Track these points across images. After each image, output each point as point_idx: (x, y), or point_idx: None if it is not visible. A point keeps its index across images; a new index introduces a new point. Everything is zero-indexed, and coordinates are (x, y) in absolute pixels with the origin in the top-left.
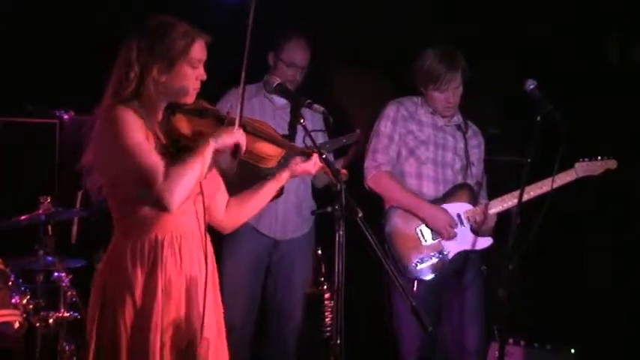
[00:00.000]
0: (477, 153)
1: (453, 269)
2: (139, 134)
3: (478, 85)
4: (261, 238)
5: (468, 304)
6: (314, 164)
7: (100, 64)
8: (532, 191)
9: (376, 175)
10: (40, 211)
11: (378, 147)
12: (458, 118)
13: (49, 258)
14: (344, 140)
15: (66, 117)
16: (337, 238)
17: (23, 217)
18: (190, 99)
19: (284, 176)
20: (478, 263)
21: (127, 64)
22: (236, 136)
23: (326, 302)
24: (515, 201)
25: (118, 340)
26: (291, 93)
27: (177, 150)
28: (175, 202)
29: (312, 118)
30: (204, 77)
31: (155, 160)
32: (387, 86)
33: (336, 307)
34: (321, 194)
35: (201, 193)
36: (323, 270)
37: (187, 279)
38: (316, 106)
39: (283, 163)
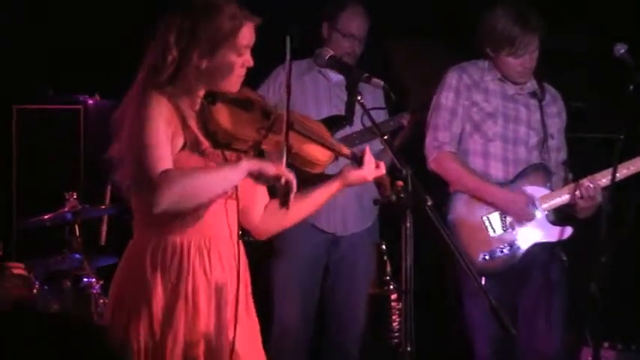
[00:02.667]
0: (557, 122)
1: (527, 263)
2: (161, 132)
3: (560, 54)
4: (319, 234)
5: (547, 302)
6: (370, 171)
7: (126, 44)
8: (632, 165)
9: (438, 156)
10: (66, 209)
11: (438, 123)
12: (532, 84)
13: (77, 258)
14: (391, 124)
15: (91, 102)
16: (404, 231)
17: (47, 217)
18: (234, 87)
19: (334, 185)
20: (559, 254)
21: (164, 46)
22: (281, 169)
23: (393, 304)
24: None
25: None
26: (346, 66)
27: (214, 145)
28: (160, 205)
29: (372, 95)
30: (251, 64)
31: (160, 155)
32: (446, 51)
33: (404, 310)
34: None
35: (235, 193)
36: (388, 268)
37: (216, 288)
38: (375, 80)
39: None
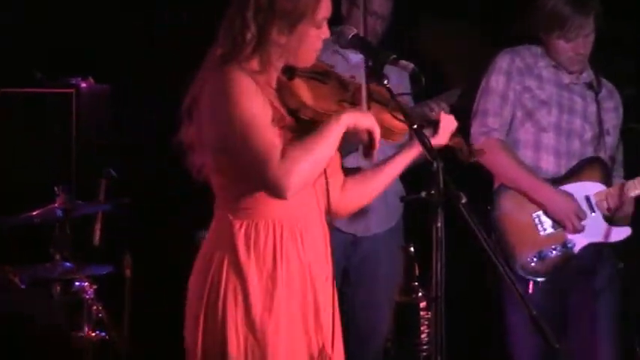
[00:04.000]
0: (613, 118)
1: (580, 267)
2: (256, 104)
3: (609, 39)
4: (336, 234)
5: (600, 312)
6: (446, 135)
7: (119, 23)
8: None
9: (485, 143)
10: (56, 205)
11: (488, 107)
12: (588, 75)
13: (68, 263)
14: (418, 111)
15: (84, 85)
16: (435, 232)
17: (35, 213)
18: (311, 61)
19: (414, 151)
20: (613, 260)
21: (242, 22)
22: (372, 120)
23: (422, 313)
24: None
25: (226, 346)
26: (371, 46)
27: (298, 121)
28: (292, 188)
29: (398, 78)
30: (328, 35)
31: (271, 137)
32: (489, 36)
33: (435, 320)
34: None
35: (325, 174)
36: (417, 273)
37: (310, 272)
38: (403, 62)
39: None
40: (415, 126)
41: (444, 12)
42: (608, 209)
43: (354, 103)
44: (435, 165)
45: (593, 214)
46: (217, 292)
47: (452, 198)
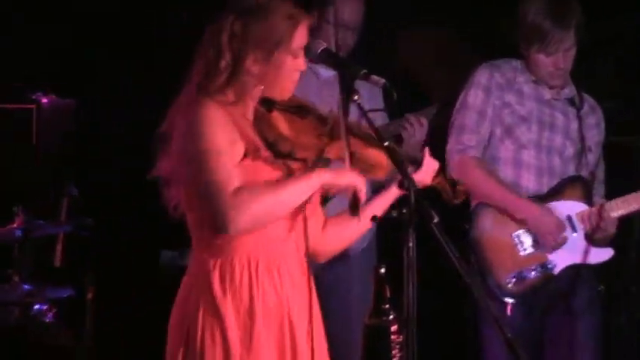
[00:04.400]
0: (595, 135)
1: (560, 288)
2: (221, 137)
3: (590, 45)
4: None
5: (579, 335)
6: (429, 173)
7: (82, 38)
8: None
9: (461, 161)
10: (15, 225)
11: (464, 124)
12: (570, 90)
13: (27, 285)
14: (391, 128)
15: (45, 100)
16: (406, 252)
17: None
18: (288, 94)
19: (392, 193)
20: (593, 282)
21: (216, 50)
22: (352, 177)
23: (393, 337)
24: None
25: None
26: (341, 60)
27: (275, 155)
28: (237, 225)
29: (370, 94)
30: (304, 67)
31: (229, 171)
32: (470, 47)
33: (406, 343)
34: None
35: (304, 214)
36: (388, 294)
37: (289, 310)
38: (374, 77)
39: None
40: (387, 143)
41: (421, 23)
42: (590, 229)
43: (333, 137)
44: (406, 183)
45: (574, 234)
46: (195, 333)
47: (424, 217)
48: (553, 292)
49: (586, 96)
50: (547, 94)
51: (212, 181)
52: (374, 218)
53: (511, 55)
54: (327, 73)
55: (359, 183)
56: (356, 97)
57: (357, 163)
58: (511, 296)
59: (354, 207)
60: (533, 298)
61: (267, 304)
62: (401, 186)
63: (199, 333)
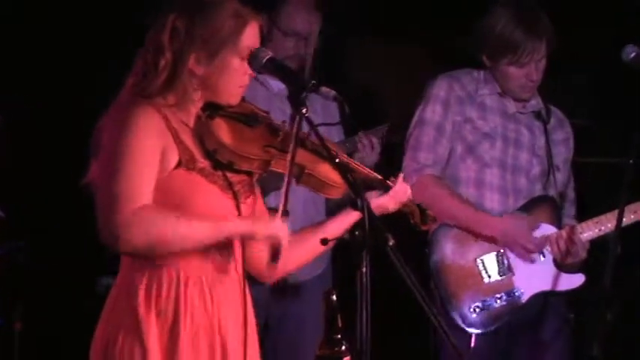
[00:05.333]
0: (563, 152)
1: (528, 318)
2: (146, 145)
3: (561, 58)
4: (257, 284)
5: None
6: (398, 198)
7: (35, 53)
8: (632, 213)
9: (418, 181)
10: None
11: (421, 141)
12: (537, 102)
13: None
14: (346, 145)
15: None
16: (360, 278)
17: None
18: (235, 99)
19: (353, 215)
20: (562, 310)
21: (156, 49)
22: (275, 229)
23: None
24: (615, 223)
25: None
26: (288, 71)
27: (214, 166)
28: (125, 243)
29: (324, 108)
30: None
31: (140, 185)
32: (430, 57)
33: None
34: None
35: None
36: (340, 323)
37: (221, 330)
38: (325, 89)
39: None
40: (338, 160)
41: (379, 32)
42: (559, 254)
43: (284, 150)
44: (359, 203)
45: (542, 258)
46: (113, 349)
47: (378, 240)
48: (520, 322)
49: (554, 109)
50: (512, 107)
51: (117, 191)
52: (323, 241)
53: (470, 67)
54: (279, 85)
55: (281, 234)
56: (304, 111)
57: (308, 179)
58: (475, 327)
59: (274, 258)
60: (499, 328)
61: (196, 323)
62: (354, 206)
63: (118, 350)
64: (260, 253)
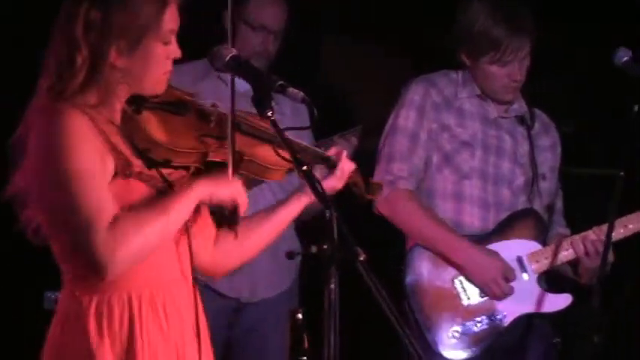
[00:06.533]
0: (549, 159)
1: (511, 342)
2: (90, 155)
3: (544, 61)
4: (217, 300)
5: None
6: (343, 176)
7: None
8: (630, 223)
9: (390, 195)
10: None
11: (394, 150)
12: (520, 106)
13: None
14: (337, 142)
15: None
16: (327, 295)
17: None
18: (161, 87)
19: (303, 200)
20: (548, 332)
21: (70, 45)
22: (234, 188)
23: None
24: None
25: None
26: (252, 70)
27: (149, 165)
28: (116, 267)
29: (294, 110)
30: (179, 54)
31: (102, 199)
32: (407, 57)
33: None
34: (311, 230)
35: (187, 230)
36: (306, 344)
37: (177, 348)
38: (292, 90)
39: (255, 181)
40: (305, 167)
41: (355, 29)
42: (587, 255)
43: (220, 138)
44: (327, 214)
45: (526, 278)
46: None
47: (348, 254)
48: (503, 347)
49: (538, 112)
50: (493, 111)
51: (81, 213)
52: (289, 255)
53: (448, 68)
54: (246, 85)
55: (240, 195)
56: (270, 114)
57: (248, 165)
58: (453, 352)
59: (233, 222)
60: (480, 353)
61: (153, 347)
62: (322, 216)
63: None
64: (203, 246)
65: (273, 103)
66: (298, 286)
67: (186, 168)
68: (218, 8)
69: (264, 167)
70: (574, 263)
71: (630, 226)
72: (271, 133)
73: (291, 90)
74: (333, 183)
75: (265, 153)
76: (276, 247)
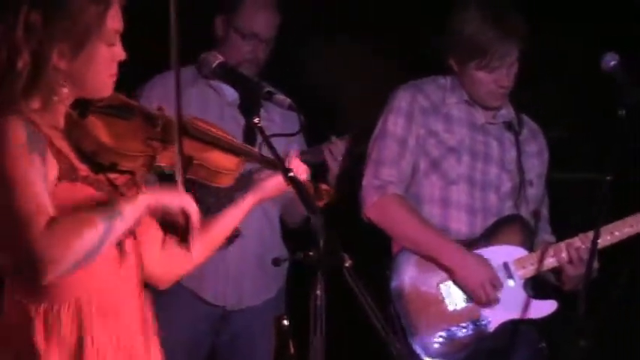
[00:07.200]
0: (536, 165)
1: (496, 347)
2: (29, 161)
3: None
4: (203, 308)
5: None
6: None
7: None
8: (617, 230)
9: (380, 200)
10: None
11: (383, 156)
12: (508, 112)
13: None
14: (307, 157)
15: None
16: (313, 301)
17: None
18: (107, 91)
19: (249, 199)
20: (534, 338)
21: (10, 49)
22: (184, 199)
23: None
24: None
25: None
26: (239, 77)
27: (95, 170)
28: (54, 268)
29: (284, 117)
30: (124, 56)
31: (40, 202)
32: (394, 63)
33: None
34: (299, 236)
35: (134, 235)
36: (292, 350)
37: (128, 356)
38: (279, 96)
39: (244, 180)
40: (291, 174)
41: (335, 35)
42: (571, 262)
43: (166, 141)
44: (312, 220)
45: (512, 284)
46: None
47: (334, 260)
48: (488, 352)
49: (526, 119)
50: (481, 117)
51: (19, 216)
52: (275, 262)
53: (439, 71)
54: (234, 93)
55: (190, 205)
56: (256, 120)
57: (198, 170)
58: (438, 357)
59: (184, 235)
60: (465, 359)
61: (102, 355)
62: (307, 223)
63: None
64: (150, 252)
65: (262, 110)
66: (285, 292)
67: (132, 173)
68: (211, 15)
69: (215, 172)
70: (557, 270)
71: (616, 233)
72: (221, 138)
73: (278, 97)
74: (276, 185)
75: (215, 157)
76: (262, 254)
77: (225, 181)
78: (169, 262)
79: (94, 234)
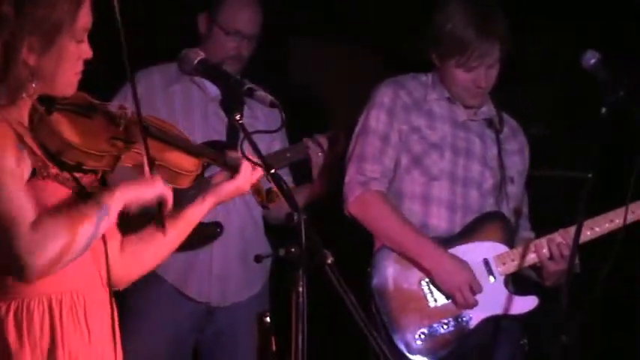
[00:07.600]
0: (517, 163)
1: (478, 343)
2: (7, 156)
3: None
4: (187, 304)
5: None
6: (247, 178)
7: None
8: (597, 226)
9: (362, 196)
10: None
11: (366, 151)
12: (489, 109)
13: None
14: (288, 155)
15: None
16: (295, 298)
17: None
18: (72, 89)
19: (206, 203)
20: (516, 334)
21: None
22: (157, 187)
23: None
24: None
25: None
26: (220, 73)
27: (61, 168)
28: (40, 268)
29: (267, 114)
30: (90, 55)
31: (22, 201)
32: (377, 60)
33: None
34: (282, 233)
35: (103, 236)
36: (274, 347)
37: (99, 354)
38: (260, 93)
39: (202, 182)
40: (273, 171)
41: (317, 34)
42: (551, 259)
43: (130, 141)
44: (295, 217)
45: (493, 280)
46: None
47: (316, 257)
48: (470, 349)
49: (507, 117)
50: (462, 114)
51: (2, 216)
52: (257, 259)
53: (421, 70)
54: (217, 89)
55: (165, 193)
56: (237, 117)
57: (158, 170)
58: (420, 354)
59: (160, 220)
60: (447, 356)
61: (74, 354)
62: (289, 220)
63: None
64: (113, 252)
65: (245, 107)
66: (268, 289)
67: (96, 172)
68: (194, 12)
69: (175, 173)
70: (538, 266)
71: (597, 229)
72: (181, 139)
73: (259, 93)
74: (239, 185)
75: (176, 158)
76: (245, 250)
77: (184, 183)
78: (128, 263)
79: (79, 235)
